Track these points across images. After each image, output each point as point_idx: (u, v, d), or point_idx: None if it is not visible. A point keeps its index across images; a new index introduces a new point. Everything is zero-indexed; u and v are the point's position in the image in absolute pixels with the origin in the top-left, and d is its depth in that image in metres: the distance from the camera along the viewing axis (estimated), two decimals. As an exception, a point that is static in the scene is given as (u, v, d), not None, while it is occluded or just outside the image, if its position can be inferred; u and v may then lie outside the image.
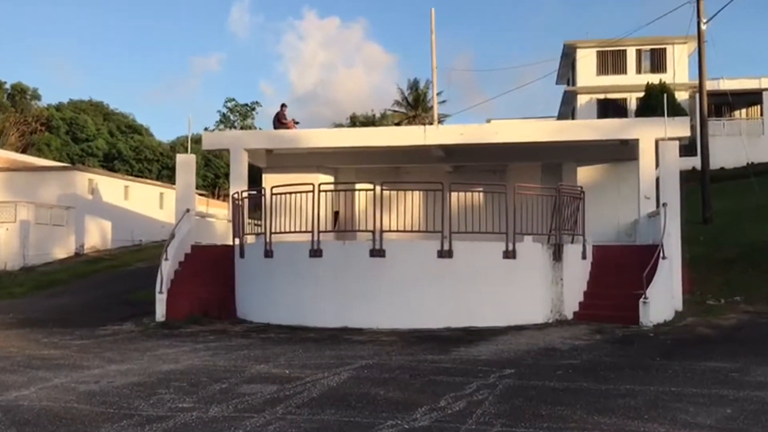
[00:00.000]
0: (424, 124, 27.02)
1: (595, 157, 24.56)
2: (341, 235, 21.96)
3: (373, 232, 17.26)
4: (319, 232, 17.61)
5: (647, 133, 21.83)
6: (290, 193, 18.01)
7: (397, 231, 17.94)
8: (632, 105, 49.59)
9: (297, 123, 26.17)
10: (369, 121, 75.56)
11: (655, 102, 39.00)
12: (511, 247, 17.62)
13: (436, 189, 17.18)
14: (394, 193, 18.04)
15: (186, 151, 25.04)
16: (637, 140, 21.99)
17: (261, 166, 26.58)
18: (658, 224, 19.91)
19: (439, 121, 49.22)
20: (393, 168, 26.59)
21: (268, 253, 18.66)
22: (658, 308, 17.77)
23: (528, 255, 17.94)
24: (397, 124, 65.93)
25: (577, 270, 19.13)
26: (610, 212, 24.14)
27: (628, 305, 17.63)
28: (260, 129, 57.95)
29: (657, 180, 21.20)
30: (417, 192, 18.24)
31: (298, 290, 18.01)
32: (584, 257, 19.65)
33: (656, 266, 18.26)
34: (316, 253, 17.82)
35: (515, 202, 17.44)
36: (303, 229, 17.77)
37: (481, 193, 19.02)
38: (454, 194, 17.62)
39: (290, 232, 18.20)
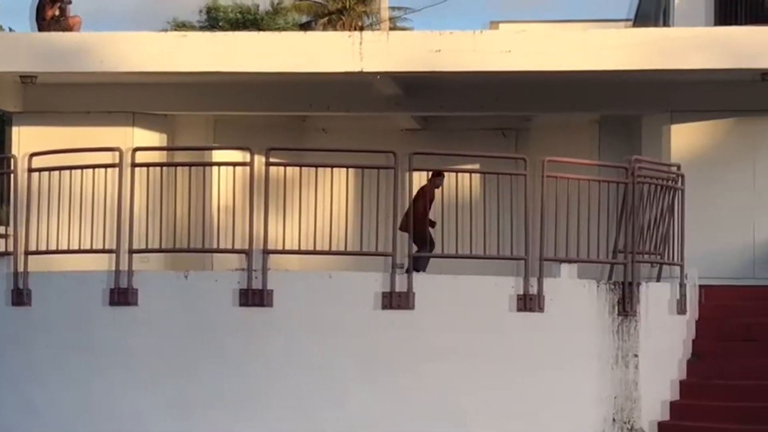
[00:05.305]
0: (359, 29, 17.83)
1: (707, 104, 15.82)
2: (181, 260, 14.41)
3: (248, 252, 10.47)
4: (131, 251, 10.54)
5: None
6: (69, 168, 10.84)
7: (299, 252, 11.03)
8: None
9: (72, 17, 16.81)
10: (244, 19, 44.88)
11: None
12: (533, 288, 10.91)
13: (383, 166, 10.89)
14: (291, 172, 11.01)
15: None
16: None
17: (9, 110, 17.34)
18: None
19: (392, 26, 31.19)
20: (293, 120, 18.22)
21: (21, 296, 10.98)
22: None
23: (567, 303, 11.18)
24: (305, 27, 40.51)
25: (665, 337, 12.37)
26: (735, 219, 15.70)
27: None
28: (9, 30, 35.27)
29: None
30: (341, 171, 11.24)
31: (89, 381, 10.74)
32: (681, 310, 12.68)
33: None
34: (122, 296, 10.45)
35: (544, 195, 10.98)
36: (96, 245, 10.70)
37: (476, 176, 12.20)
38: (418, 176, 11.63)
39: (68, 251, 10.96)
